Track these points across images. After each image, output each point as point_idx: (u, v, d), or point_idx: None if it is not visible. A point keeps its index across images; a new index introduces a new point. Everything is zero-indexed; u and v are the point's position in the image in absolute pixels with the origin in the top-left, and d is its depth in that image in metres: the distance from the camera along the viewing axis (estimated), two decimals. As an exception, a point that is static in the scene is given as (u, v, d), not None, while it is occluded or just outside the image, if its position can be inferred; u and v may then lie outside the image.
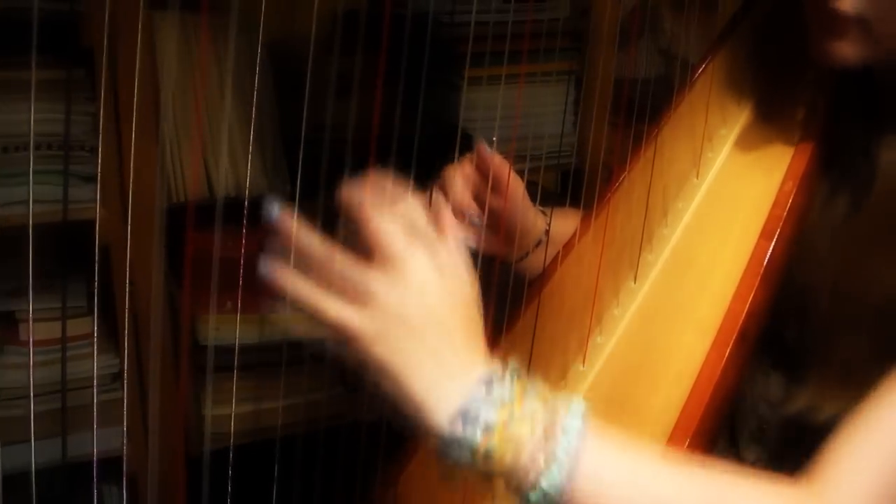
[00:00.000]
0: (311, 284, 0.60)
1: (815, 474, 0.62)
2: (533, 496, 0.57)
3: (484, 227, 0.88)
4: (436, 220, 0.65)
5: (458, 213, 0.85)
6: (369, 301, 0.59)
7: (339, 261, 0.60)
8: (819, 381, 0.76)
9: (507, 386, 0.59)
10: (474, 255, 0.84)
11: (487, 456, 0.57)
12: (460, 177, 0.89)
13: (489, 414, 0.57)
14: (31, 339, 1.15)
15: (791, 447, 0.81)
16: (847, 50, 0.74)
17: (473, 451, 0.57)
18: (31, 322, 1.15)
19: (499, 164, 0.89)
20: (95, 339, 1.01)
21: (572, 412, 0.59)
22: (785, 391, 0.82)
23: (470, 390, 0.58)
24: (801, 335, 0.81)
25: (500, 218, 0.91)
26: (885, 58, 0.74)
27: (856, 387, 0.66)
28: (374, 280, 0.60)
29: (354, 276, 0.60)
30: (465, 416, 0.57)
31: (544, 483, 0.57)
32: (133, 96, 1.03)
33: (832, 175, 0.82)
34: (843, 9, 0.71)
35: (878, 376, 0.66)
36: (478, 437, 0.57)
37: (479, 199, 0.89)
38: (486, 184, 0.88)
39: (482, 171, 0.89)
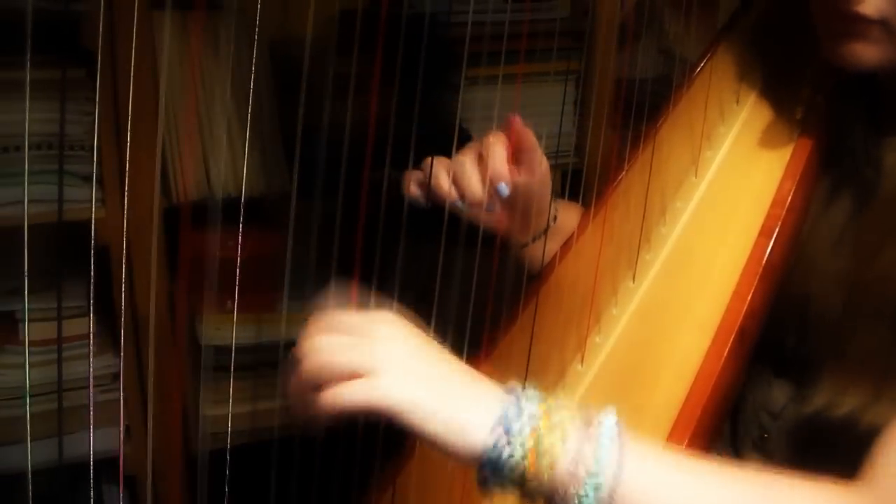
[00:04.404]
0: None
1: (865, 477, 0.60)
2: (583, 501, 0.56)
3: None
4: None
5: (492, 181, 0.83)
6: (369, 345, 0.59)
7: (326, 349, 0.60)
8: (834, 378, 0.75)
9: (533, 396, 0.59)
10: (474, 241, 0.83)
11: (540, 458, 0.56)
12: (501, 146, 0.84)
13: (532, 408, 0.57)
14: (26, 339, 1.15)
15: (802, 450, 0.80)
16: (866, 52, 0.72)
17: (523, 445, 0.56)
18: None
19: (531, 139, 0.86)
20: (91, 339, 1.01)
21: (606, 412, 0.58)
22: (796, 396, 0.81)
23: (501, 399, 0.58)
24: (804, 342, 0.80)
25: (521, 193, 0.88)
26: None
27: (877, 376, 0.65)
28: (364, 336, 0.60)
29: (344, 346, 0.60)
30: (507, 421, 0.57)
31: (589, 485, 0.56)
32: (132, 96, 1.03)
33: (832, 177, 0.81)
34: (864, 12, 0.69)
35: None
36: (526, 430, 0.56)
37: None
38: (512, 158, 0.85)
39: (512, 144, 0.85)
